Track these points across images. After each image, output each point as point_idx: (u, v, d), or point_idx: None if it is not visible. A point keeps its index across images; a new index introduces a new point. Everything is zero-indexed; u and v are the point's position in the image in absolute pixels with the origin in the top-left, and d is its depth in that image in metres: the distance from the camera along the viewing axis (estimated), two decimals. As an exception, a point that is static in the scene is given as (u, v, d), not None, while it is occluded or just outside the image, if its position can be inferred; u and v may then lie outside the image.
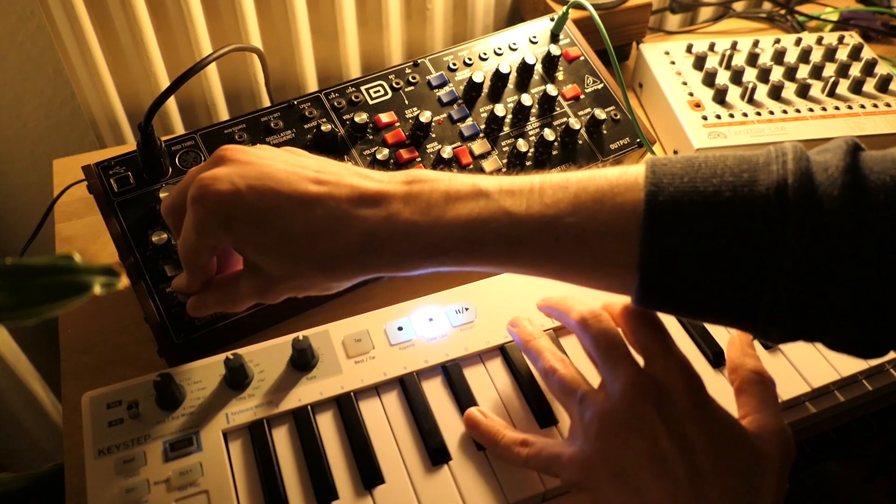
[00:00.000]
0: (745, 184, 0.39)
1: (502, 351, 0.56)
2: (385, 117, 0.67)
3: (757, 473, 0.43)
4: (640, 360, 0.46)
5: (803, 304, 0.38)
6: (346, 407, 0.52)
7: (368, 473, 0.49)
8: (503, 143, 0.69)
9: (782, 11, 1.07)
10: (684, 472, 0.41)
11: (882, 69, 0.86)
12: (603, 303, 0.51)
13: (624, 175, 0.41)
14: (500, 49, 0.74)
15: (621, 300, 0.50)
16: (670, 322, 0.58)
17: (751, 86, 0.82)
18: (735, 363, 0.51)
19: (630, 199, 0.40)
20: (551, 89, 0.71)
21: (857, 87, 0.84)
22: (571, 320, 0.50)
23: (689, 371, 0.45)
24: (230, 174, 0.45)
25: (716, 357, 0.56)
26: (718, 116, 0.80)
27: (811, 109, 0.82)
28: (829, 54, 0.89)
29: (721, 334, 0.58)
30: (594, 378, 0.47)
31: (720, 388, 0.49)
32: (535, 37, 0.76)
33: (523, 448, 0.47)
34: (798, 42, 0.91)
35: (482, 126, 0.70)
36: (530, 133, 0.71)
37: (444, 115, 0.69)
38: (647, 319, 0.48)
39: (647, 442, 0.42)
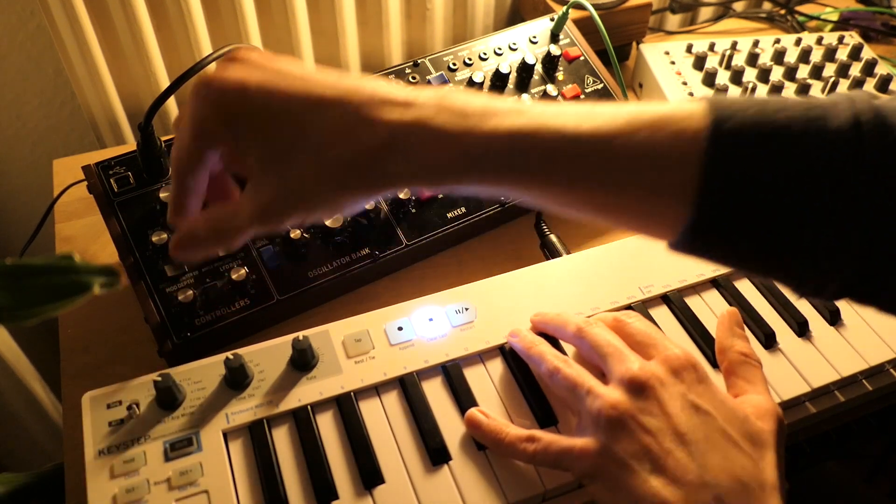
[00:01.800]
0: (817, 118, 0.37)
1: (502, 351, 0.56)
2: (385, 117, 0.67)
3: (761, 449, 0.44)
4: None
5: (872, 251, 0.36)
6: (346, 407, 0.52)
7: (368, 473, 0.49)
8: (503, 143, 0.69)
9: (782, 11, 1.07)
10: (696, 447, 0.42)
11: (882, 69, 0.86)
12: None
13: (680, 107, 0.38)
14: (500, 49, 0.74)
15: (610, 316, 0.52)
16: (670, 324, 0.59)
17: (751, 86, 0.82)
18: (723, 344, 0.52)
19: (690, 127, 0.37)
20: (551, 89, 0.71)
21: (857, 87, 0.84)
22: (568, 331, 0.52)
23: (687, 356, 0.47)
24: (238, 71, 0.40)
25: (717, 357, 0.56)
26: (718, 116, 0.80)
27: (811, 109, 0.82)
28: (829, 54, 0.89)
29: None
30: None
31: (721, 388, 0.49)
32: (535, 37, 0.76)
33: (530, 444, 0.47)
34: (798, 42, 0.91)
35: (482, 126, 0.69)
36: (530, 133, 0.70)
37: (444, 115, 0.69)
38: (637, 321, 0.51)
39: (657, 423, 0.43)
